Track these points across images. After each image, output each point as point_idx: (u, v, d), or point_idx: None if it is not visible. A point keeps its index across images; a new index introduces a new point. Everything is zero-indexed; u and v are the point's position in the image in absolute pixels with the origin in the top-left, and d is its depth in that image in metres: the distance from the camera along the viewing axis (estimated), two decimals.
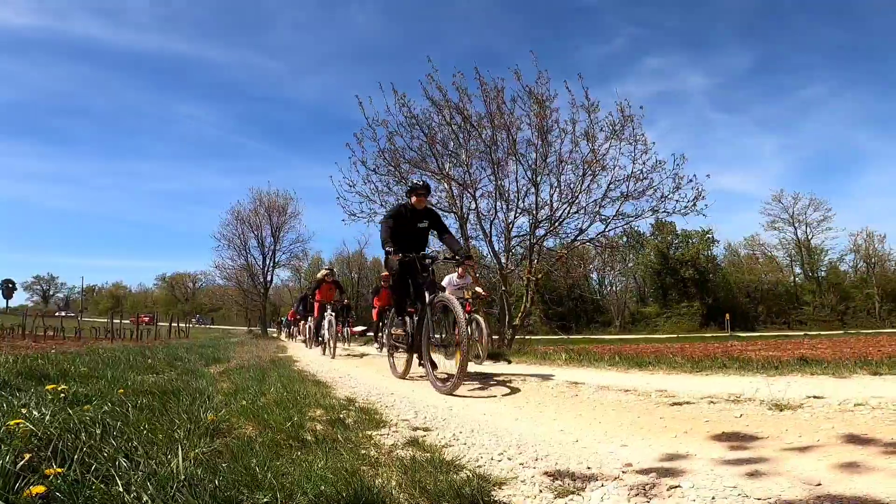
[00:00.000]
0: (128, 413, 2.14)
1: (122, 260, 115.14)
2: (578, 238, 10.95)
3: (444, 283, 7.03)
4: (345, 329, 12.75)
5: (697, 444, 1.89)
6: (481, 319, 6.37)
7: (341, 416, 2.45)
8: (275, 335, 25.52)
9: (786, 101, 66.05)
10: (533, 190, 10.68)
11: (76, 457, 1.51)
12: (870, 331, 30.35)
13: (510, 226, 11.05)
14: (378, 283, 10.97)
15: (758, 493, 1.35)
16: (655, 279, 49.24)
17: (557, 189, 10.48)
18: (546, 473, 1.58)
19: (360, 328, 14.20)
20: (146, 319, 32.94)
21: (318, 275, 10.06)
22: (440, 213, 5.58)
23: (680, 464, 1.64)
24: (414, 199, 4.41)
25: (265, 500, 1.27)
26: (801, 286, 46.39)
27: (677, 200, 9.86)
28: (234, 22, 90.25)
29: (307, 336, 12.68)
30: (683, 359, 5.47)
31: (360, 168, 11.10)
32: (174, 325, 24.54)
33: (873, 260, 44.17)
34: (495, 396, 3.36)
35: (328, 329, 8.47)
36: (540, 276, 11.02)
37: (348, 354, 8.93)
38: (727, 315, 36.96)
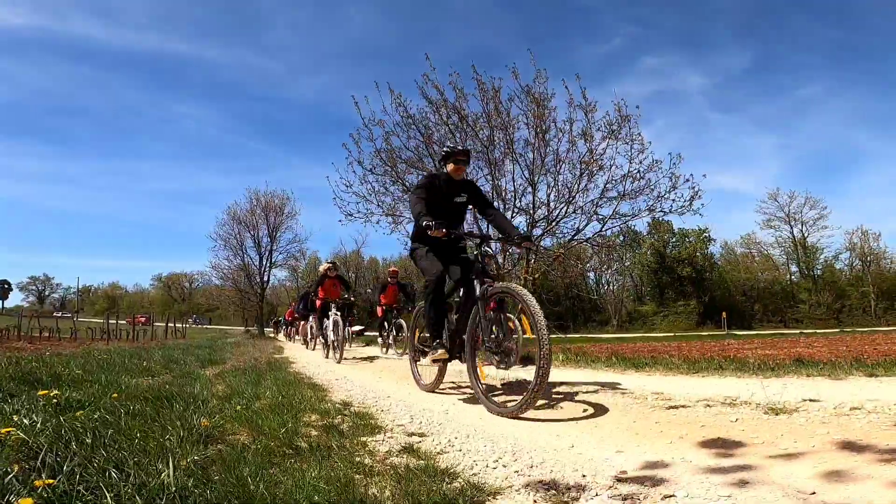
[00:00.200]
0: (120, 420, 2.12)
1: (118, 260, 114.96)
2: (575, 238, 10.95)
3: None
4: (346, 329, 12.14)
5: (693, 450, 1.89)
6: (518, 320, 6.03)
7: (336, 421, 2.44)
8: (272, 335, 25.44)
9: (783, 101, 66.26)
10: (530, 189, 10.67)
11: (66, 467, 1.50)
12: (865, 329, 30.50)
13: None
14: (385, 279, 10.26)
15: (751, 502, 1.35)
16: (652, 278, 49.34)
17: (555, 189, 10.48)
18: (541, 483, 1.57)
19: (357, 328, 14.14)
20: (142, 320, 32.84)
21: (320, 269, 9.24)
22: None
23: (674, 472, 1.64)
24: (451, 167, 3.58)
25: None
26: (797, 284, 46.55)
27: (674, 200, 9.85)
28: (233, 22, 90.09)
29: (308, 337, 12.33)
30: (680, 360, 5.48)
31: (357, 168, 11.06)
32: (171, 325, 24.47)
33: (868, 258, 44.35)
34: None
35: (334, 330, 7.71)
36: (537, 275, 11.02)
37: (354, 358, 8.32)
38: (724, 313, 37.07)
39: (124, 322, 25.36)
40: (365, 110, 10.56)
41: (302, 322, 13.88)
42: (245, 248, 26.20)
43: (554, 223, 10.91)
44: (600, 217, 10.54)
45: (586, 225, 10.71)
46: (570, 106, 9.86)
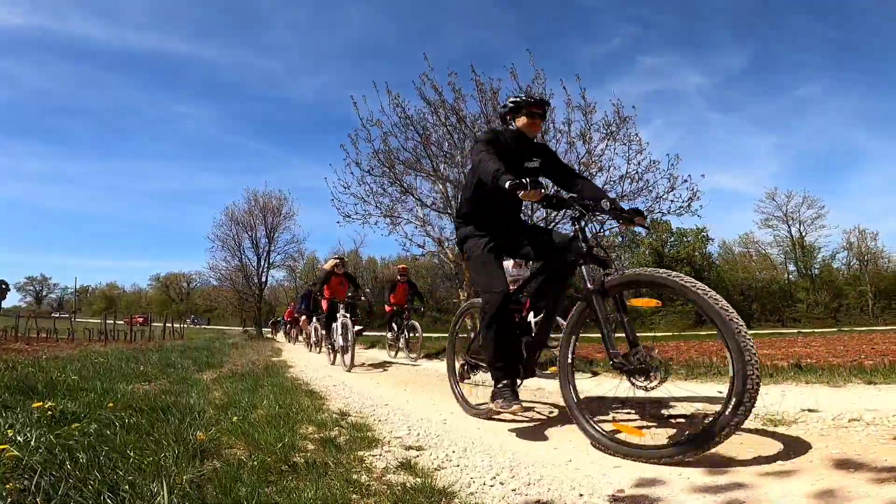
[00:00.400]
0: (116, 435, 2.11)
1: (116, 260, 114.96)
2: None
3: None
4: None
5: (690, 466, 1.87)
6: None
7: (333, 433, 2.43)
8: (269, 335, 25.41)
9: (782, 101, 66.32)
10: None
11: (61, 489, 1.49)
12: (863, 328, 30.54)
13: None
14: (395, 277, 9.44)
15: None
16: None
17: (553, 189, 10.49)
18: (538, 503, 1.56)
19: (357, 328, 14.05)
20: (140, 320, 32.74)
21: (327, 265, 8.39)
22: None
23: (671, 490, 1.63)
24: (522, 121, 2.73)
25: None
26: (794, 284, 46.65)
27: (672, 201, 9.87)
28: (232, 21, 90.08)
29: (312, 339, 11.90)
30: (678, 364, 5.47)
31: (355, 170, 11.04)
32: (169, 325, 24.43)
33: (866, 258, 44.46)
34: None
35: (342, 334, 6.85)
36: None
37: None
38: None
39: (122, 322, 25.33)
40: (363, 111, 10.54)
41: (304, 320, 13.15)
42: (243, 249, 26.17)
43: (553, 224, 10.93)
44: (599, 218, 10.56)
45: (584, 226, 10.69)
46: (567, 107, 9.85)
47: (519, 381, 2.72)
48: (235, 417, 2.59)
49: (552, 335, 3.08)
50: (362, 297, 7.96)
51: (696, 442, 1.82)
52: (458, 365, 3.39)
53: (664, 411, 2.83)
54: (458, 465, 1.99)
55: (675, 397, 2.91)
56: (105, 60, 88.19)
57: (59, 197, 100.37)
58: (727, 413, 1.75)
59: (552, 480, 1.78)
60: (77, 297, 75.98)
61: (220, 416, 2.70)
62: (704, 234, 47.01)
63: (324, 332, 10.95)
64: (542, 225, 3.44)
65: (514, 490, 1.69)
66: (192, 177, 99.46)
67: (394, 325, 8.89)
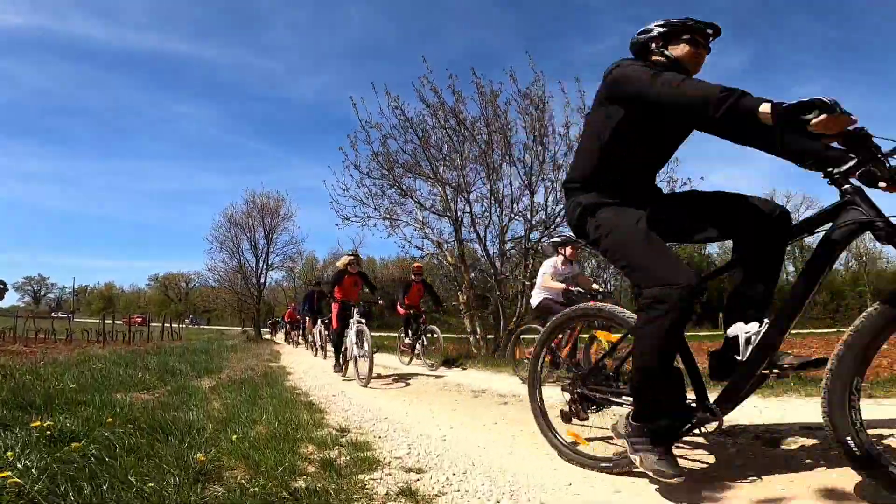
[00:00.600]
0: (116, 458, 2.10)
1: (114, 260, 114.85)
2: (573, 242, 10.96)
3: (543, 270, 5.38)
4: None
5: (685, 493, 1.85)
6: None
7: (333, 454, 2.43)
8: (268, 337, 25.40)
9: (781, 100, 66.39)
10: (528, 193, 10.67)
11: None
12: None
13: (505, 229, 11.05)
14: (409, 276, 8.61)
15: None
16: (591, 279, 49.40)
17: (553, 192, 10.48)
18: None
19: None
20: (139, 320, 32.69)
21: (339, 263, 7.32)
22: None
23: None
24: (684, 49, 2.00)
25: None
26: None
27: None
28: (232, 22, 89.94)
29: (317, 344, 11.28)
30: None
31: (354, 172, 11.04)
32: (167, 325, 24.40)
33: (865, 258, 44.55)
34: (496, 423, 3.31)
35: (357, 342, 5.82)
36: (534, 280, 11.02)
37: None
38: (720, 314, 37.15)
39: (120, 322, 25.30)
40: (362, 112, 10.54)
41: (309, 322, 12.41)
42: (241, 251, 26.13)
43: (553, 228, 10.92)
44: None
45: None
46: (566, 107, 9.84)
47: (695, 428, 1.93)
48: (235, 436, 2.59)
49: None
50: (379, 300, 7.16)
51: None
52: (541, 397, 2.56)
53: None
54: (458, 490, 1.99)
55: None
56: (105, 60, 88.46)
57: (58, 197, 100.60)
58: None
59: None
60: (75, 297, 75.91)
61: (219, 434, 2.70)
62: None
63: (327, 334, 10.80)
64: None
65: None
66: (192, 177, 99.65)
67: (408, 331, 8.16)
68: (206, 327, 49.10)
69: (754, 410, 3.10)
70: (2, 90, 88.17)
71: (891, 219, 1.58)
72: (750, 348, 1.83)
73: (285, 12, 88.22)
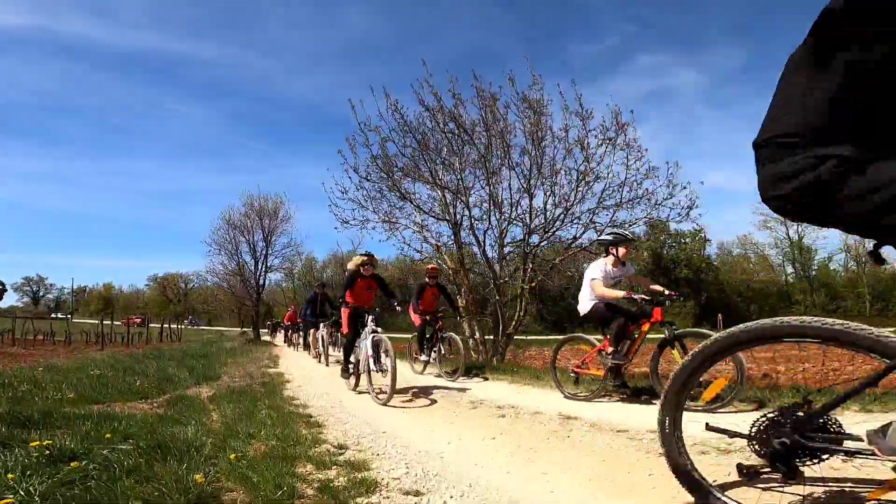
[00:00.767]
0: (115, 480, 2.11)
1: (113, 260, 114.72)
2: (573, 246, 10.95)
3: (591, 275, 4.73)
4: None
5: None
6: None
7: (331, 475, 2.43)
8: (267, 339, 25.39)
9: None
10: (526, 197, 10.66)
11: None
12: None
13: (504, 233, 11.05)
14: (423, 280, 7.83)
15: None
16: (650, 279, 49.52)
17: (552, 197, 10.48)
18: None
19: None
20: (138, 321, 32.71)
21: (351, 264, 6.42)
22: None
23: None
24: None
25: None
26: (792, 285, 46.85)
27: (671, 208, 9.87)
28: (228, 21, 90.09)
29: (321, 350, 10.68)
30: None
31: (352, 175, 11.03)
32: (166, 326, 24.40)
33: (864, 260, 44.62)
34: (494, 438, 3.32)
35: (374, 355, 5.14)
36: (534, 283, 11.01)
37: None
38: (720, 315, 37.23)
39: (119, 323, 25.29)
40: (360, 115, 10.51)
41: (313, 329, 11.67)
42: (240, 253, 26.05)
43: (552, 232, 10.93)
44: (597, 226, 10.56)
45: (583, 233, 10.70)
46: (564, 111, 9.82)
47: None
48: (233, 455, 2.59)
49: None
50: (397, 306, 6.27)
51: None
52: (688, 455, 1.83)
53: None
54: None
55: None
56: (104, 60, 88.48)
57: (56, 197, 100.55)
58: None
59: None
60: (74, 298, 75.87)
61: (217, 452, 2.70)
62: (702, 235, 47.12)
63: (329, 338, 10.54)
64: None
65: None
66: (191, 177, 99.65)
67: (424, 338, 7.51)
68: (205, 328, 49.09)
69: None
70: (1, 90, 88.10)
71: None
72: None
73: (284, 12, 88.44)
